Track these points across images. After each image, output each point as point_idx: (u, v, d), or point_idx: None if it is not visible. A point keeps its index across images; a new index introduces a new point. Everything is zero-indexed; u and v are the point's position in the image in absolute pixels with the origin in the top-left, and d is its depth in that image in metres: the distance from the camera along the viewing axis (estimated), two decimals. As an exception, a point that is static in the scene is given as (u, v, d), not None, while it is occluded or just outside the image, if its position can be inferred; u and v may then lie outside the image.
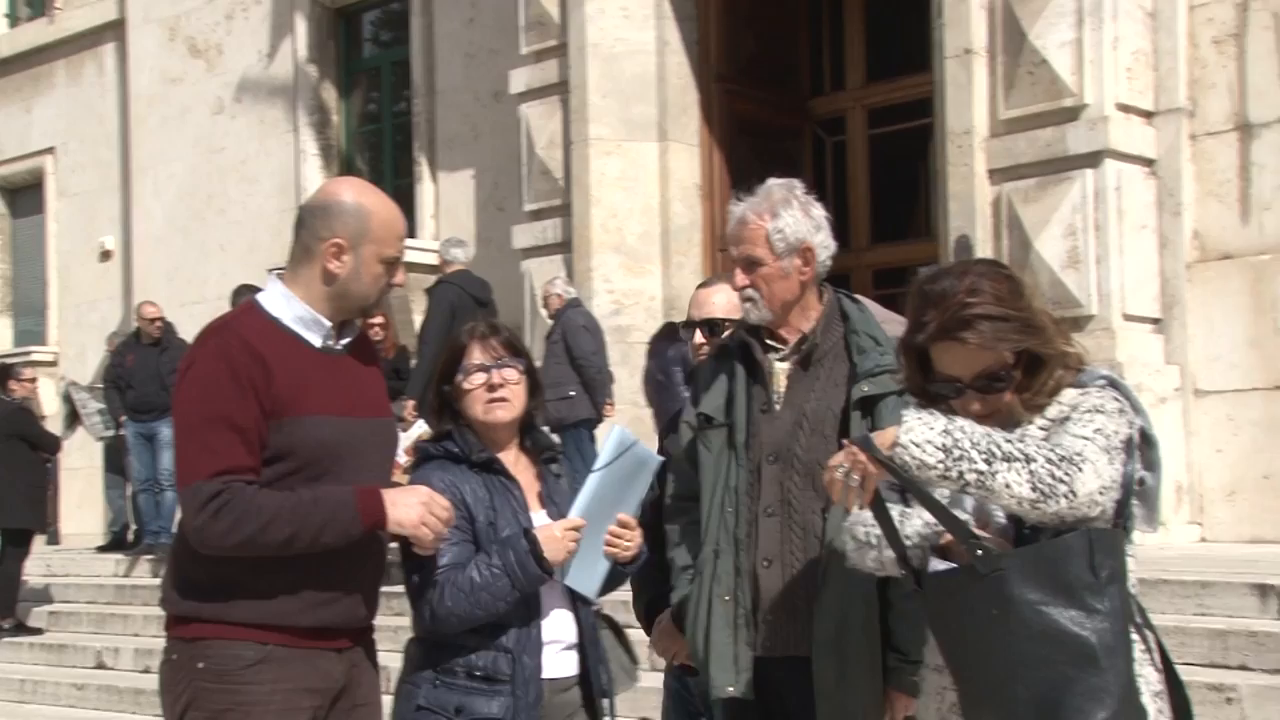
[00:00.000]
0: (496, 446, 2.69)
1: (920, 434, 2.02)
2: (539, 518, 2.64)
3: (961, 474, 2.00)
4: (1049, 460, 2.01)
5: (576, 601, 2.65)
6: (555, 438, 2.89)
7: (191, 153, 12.01)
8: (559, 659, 2.63)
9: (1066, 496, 1.99)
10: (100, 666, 8.11)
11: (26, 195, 13.93)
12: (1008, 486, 1.99)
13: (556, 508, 2.65)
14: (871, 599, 2.57)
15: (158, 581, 9.46)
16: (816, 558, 2.63)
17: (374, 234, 2.55)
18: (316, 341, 2.57)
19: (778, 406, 2.75)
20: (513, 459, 2.71)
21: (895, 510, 2.21)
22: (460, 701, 2.60)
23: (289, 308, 2.56)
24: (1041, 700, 1.98)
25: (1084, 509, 2.01)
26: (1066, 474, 2.00)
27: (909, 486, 2.05)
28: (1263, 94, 6.85)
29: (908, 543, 2.19)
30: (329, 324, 2.57)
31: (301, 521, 2.43)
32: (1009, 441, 2.02)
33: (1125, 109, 6.86)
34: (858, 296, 2.85)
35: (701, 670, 2.75)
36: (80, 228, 13.22)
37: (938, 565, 2.09)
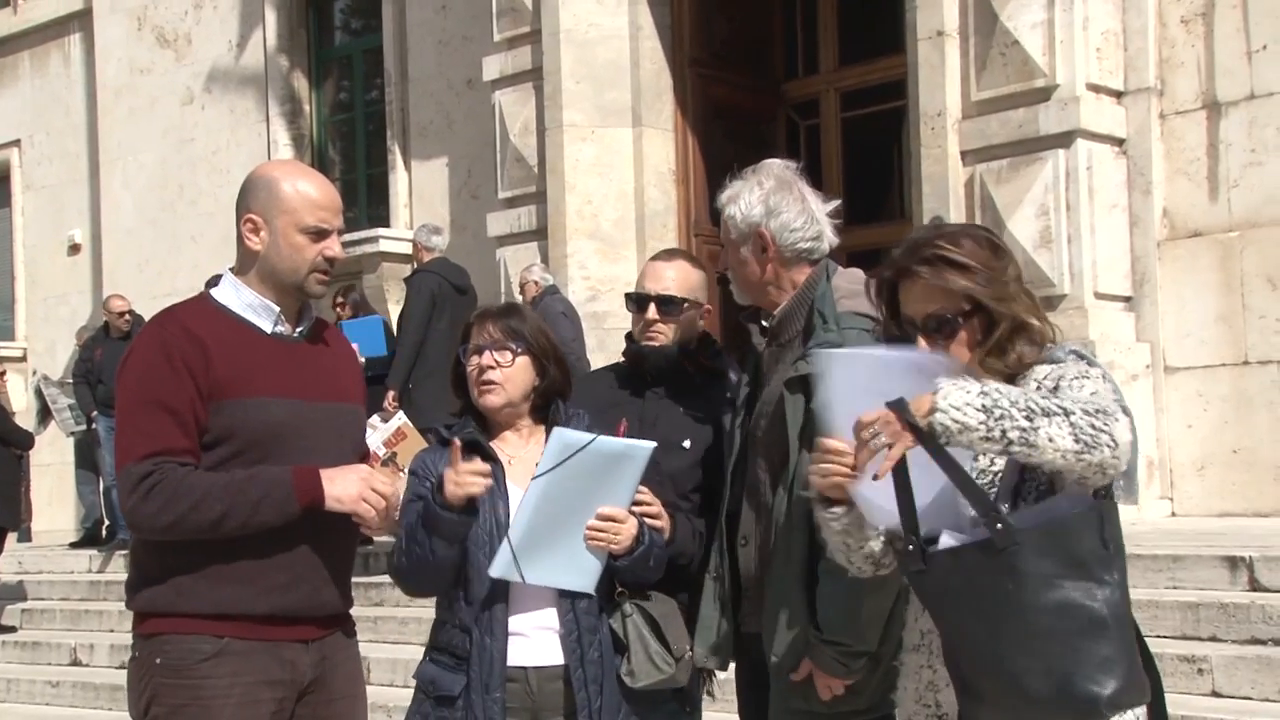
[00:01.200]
0: (497, 428, 2.69)
1: (959, 397, 2.00)
2: (518, 493, 2.63)
3: (1005, 432, 1.98)
4: (1086, 412, 2.01)
5: (567, 591, 2.61)
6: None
7: (161, 144, 11.91)
8: (542, 647, 2.60)
9: (1109, 445, 1.99)
10: (75, 663, 8.05)
11: (-7, 188, 13.79)
12: (1051, 440, 1.98)
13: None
14: (803, 578, 2.57)
15: (133, 575, 9.41)
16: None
17: (284, 204, 2.53)
18: (267, 327, 2.56)
19: (763, 389, 2.76)
20: (523, 437, 2.70)
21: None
22: (434, 676, 2.64)
23: (238, 296, 2.57)
24: (1053, 672, 1.98)
25: (1125, 457, 2.02)
26: (1105, 424, 2.00)
27: (937, 455, 2.02)
28: (1230, 72, 6.90)
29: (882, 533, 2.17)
30: (277, 309, 2.56)
31: (233, 499, 2.41)
32: (1045, 398, 2.03)
33: (1096, 89, 6.91)
34: (839, 269, 2.79)
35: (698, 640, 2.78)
36: (48, 220, 13.09)
37: (949, 541, 2.05)
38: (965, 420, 1.99)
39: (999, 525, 2.00)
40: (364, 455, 2.71)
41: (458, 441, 2.57)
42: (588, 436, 2.53)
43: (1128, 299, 6.99)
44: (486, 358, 2.64)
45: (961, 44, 7.02)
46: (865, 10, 9.37)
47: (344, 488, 2.46)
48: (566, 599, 2.61)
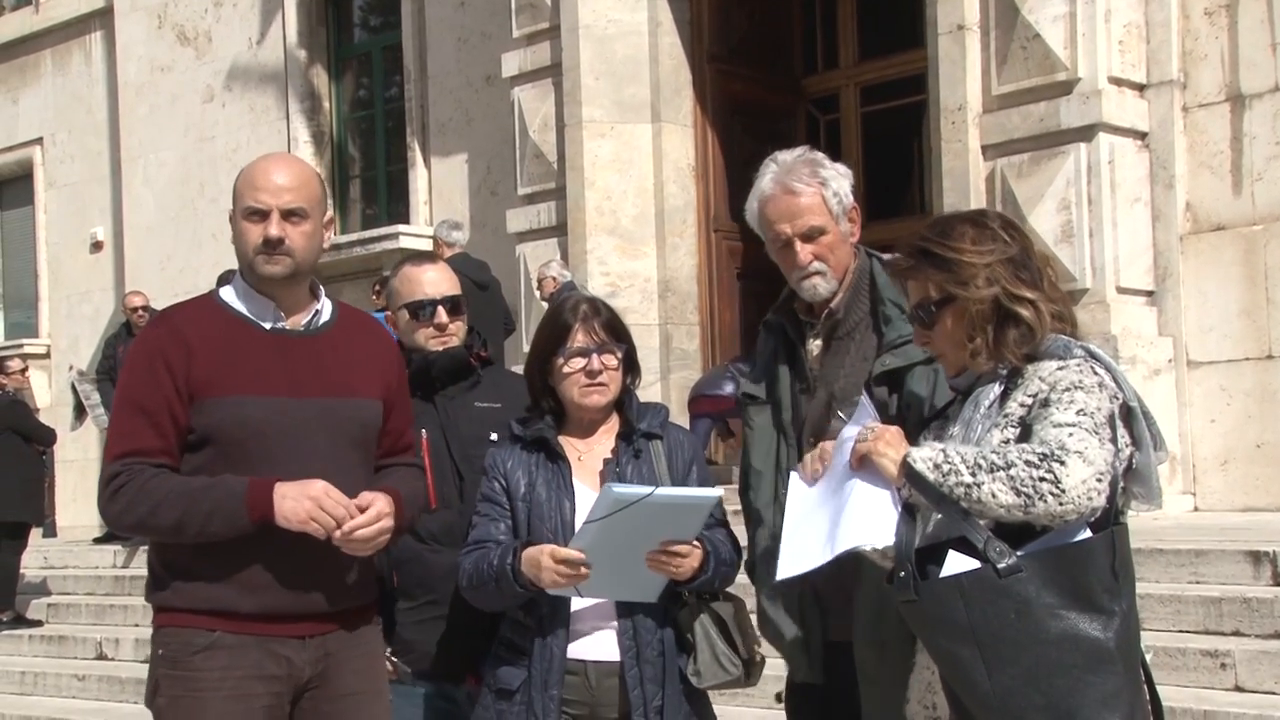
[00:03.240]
0: (590, 428, 2.70)
1: (924, 452, 2.08)
2: (585, 493, 2.62)
3: (951, 489, 2.01)
4: (1027, 462, 1.97)
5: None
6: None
7: (182, 141, 11.97)
8: (601, 642, 2.59)
9: (1053, 494, 1.95)
10: (101, 657, 8.12)
11: (15, 187, 13.87)
12: (994, 496, 1.98)
13: (617, 481, 2.59)
14: None
15: (157, 570, 9.48)
16: None
17: (237, 192, 2.55)
18: (266, 323, 2.57)
19: (815, 385, 2.68)
20: (606, 435, 2.70)
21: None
22: (496, 669, 2.66)
23: (239, 293, 2.59)
24: (1057, 709, 1.94)
25: (1081, 502, 1.95)
26: (1049, 471, 1.96)
27: (928, 494, 2.06)
28: (1254, 65, 6.85)
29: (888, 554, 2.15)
30: (273, 304, 2.56)
31: (186, 508, 2.43)
32: (994, 452, 2.02)
33: (1118, 82, 6.87)
34: (886, 256, 2.64)
35: (783, 655, 2.73)
36: (70, 218, 13.17)
37: (950, 568, 2.02)
38: (924, 473, 2.04)
39: (997, 552, 1.97)
40: (404, 448, 2.69)
41: (559, 552, 2.50)
42: (642, 491, 2.44)
43: (1150, 293, 6.95)
44: (595, 361, 2.65)
45: (982, 37, 6.99)
46: (885, 4, 9.34)
47: (292, 507, 2.41)
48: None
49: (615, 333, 2.70)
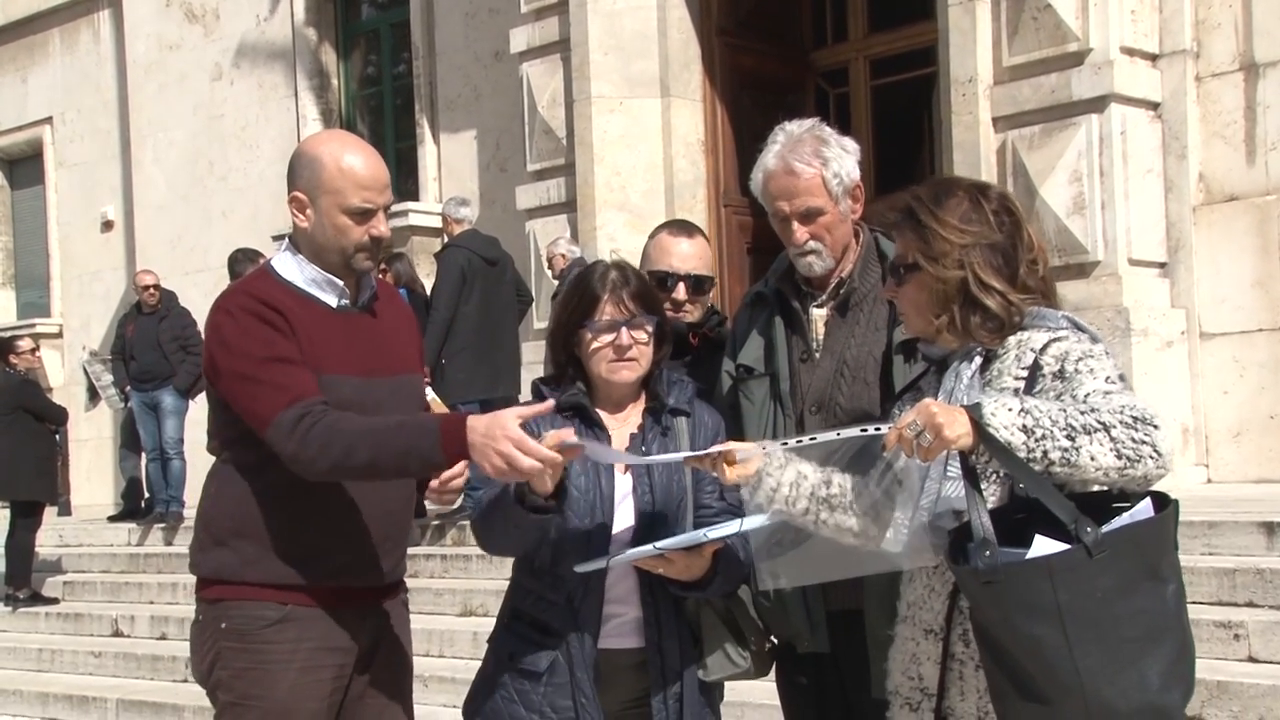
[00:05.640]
0: (620, 403, 2.56)
1: (1004, 417, 1.94)
2: (617, 470, 2.53)
3: (1046, 453, 1.92)
4: (1126, 424, 1.93)
5: (647, 576, 2.49)
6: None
7: (191, 119, 11.97)
8: (623, 630, 2.52)
9: (1152, 457, 1.93)
10: (117, 634, 8.18)
11: (25, 166, 13.89)
12: (1093, 459, 1.92)
13: (642, 455, 2.50)
14: None
15: (170, 550, 9.58)
16: None
17: (328, 184, 2.49)
18: (333, 301, 2.56)
19: (818, 355, 2.68)
20: (634, 410, 2.58)
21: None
22: (515, 647, 2.54)
23: (301, 271, 2.55)
24: (1130, 683, 1.91)
25: (1170, 464, 1.94)
26: (1147, 435, 1.93)
27: (1009, 464, 1.96)
28: (1268, 33, 6.79)
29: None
30: (341, 283, 2.55)
31: (380, 444, 2.34)
32: (1083, 413, 1.95)
33: (1130, 52, 6.81)
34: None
35: (776, 627, 2.70)
36: (81, 198, 13.19)
37: (1037, 550, 1.94)
38: (1010, 439, 1.94)
39: (1088, 530, 1.92)
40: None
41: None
42: (733, 531, 2.33)
43: (1162, 265, 6.91)
44: (625, 336, 2.49)
45: (993, 8, 6.93)
46: (894, -24, 9.28)
47: (483, 449, 2.25)
48: (646, 584, 2.50)
49: (646, 304, 2.53)
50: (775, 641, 2.72)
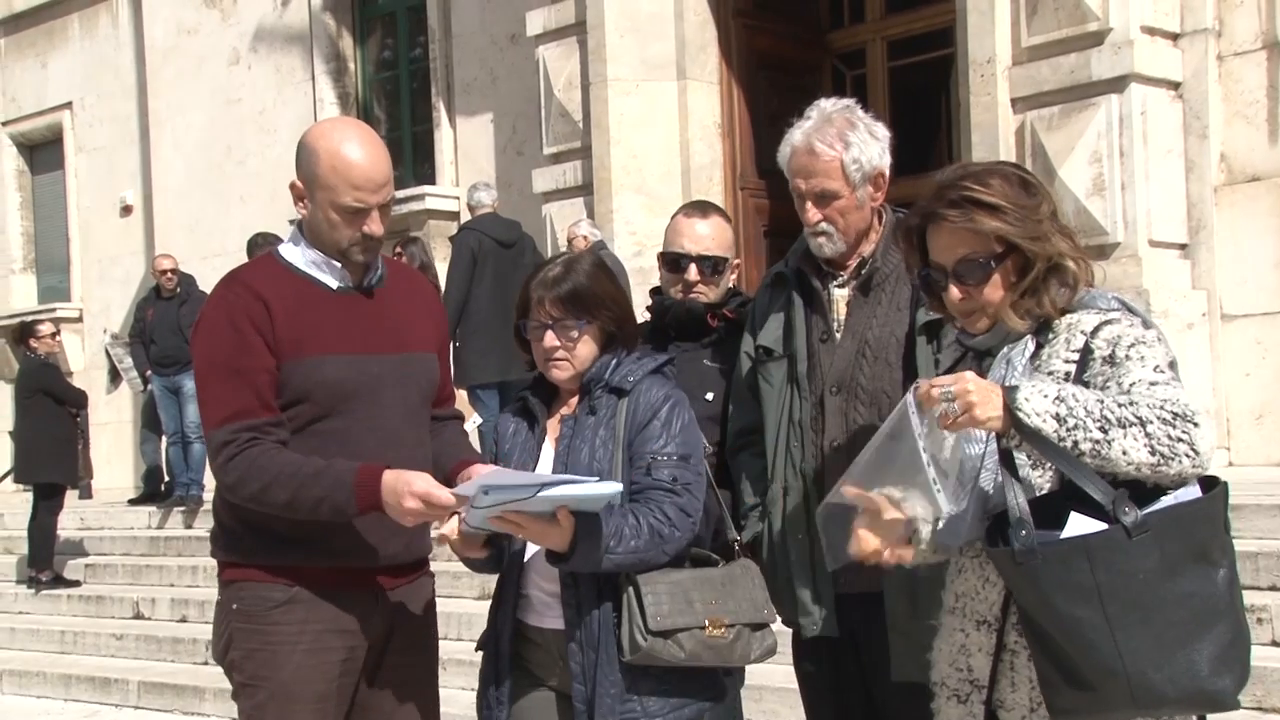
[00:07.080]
0: (566, 395, 2.61)
1: (1038, 403, 1.92)
2: (547, 451, 2.58)
3: (1077, 443, 1.90)
4: (1164, 420, 1.89)
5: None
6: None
7: (209, 104, 11.99)
8: (544, 610, 2.54)
9: (1188, 455, 1.89)
10: (138, 616, 8.25)
11: (46, 151, 13.95)
12: (1125, 453, 1.89)
13: (564, 442, 2.53)
14: None
15: (191, 533, 9.61)
16: None
17: (322, 180, 2.49)
18: (333, 283, 2.57)
19: (838, 335, 2.67)
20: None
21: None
22: (491, 615, 2.66)
23: (302, 253, 2.58)
24: (1178, 667, 1.89)
25: (1208, 462, 1.91)
26: (1184, 432, 1.89)
27: (1041, 447, 1.93)
28: (1292, 12, 6.72)
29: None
30: (340, 264, 2.57)
31: (296, 491, 2.43)
32: (1120, 405, 1.91)
33: (1150, 31, 6.74)
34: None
35: (786, 610, 2.69)
36: (100, 182, 13.24)
37: (1073, 529, 1.91)
38: (1040, 426, 1.91)
39: (1125, 510, 1.90)
40: (446, 398, 2.73)
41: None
42: (522, 494, 2.26)
43: (1183, 246, 6.86)
44: (550, 339, 2.51)
45: (1012, -12, 6.88)
46: (912, -44, 9.21)
47: (396, 507, 2.39)
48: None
49: (581, 305, 2.50)
50: (731, 625, 2.58)
